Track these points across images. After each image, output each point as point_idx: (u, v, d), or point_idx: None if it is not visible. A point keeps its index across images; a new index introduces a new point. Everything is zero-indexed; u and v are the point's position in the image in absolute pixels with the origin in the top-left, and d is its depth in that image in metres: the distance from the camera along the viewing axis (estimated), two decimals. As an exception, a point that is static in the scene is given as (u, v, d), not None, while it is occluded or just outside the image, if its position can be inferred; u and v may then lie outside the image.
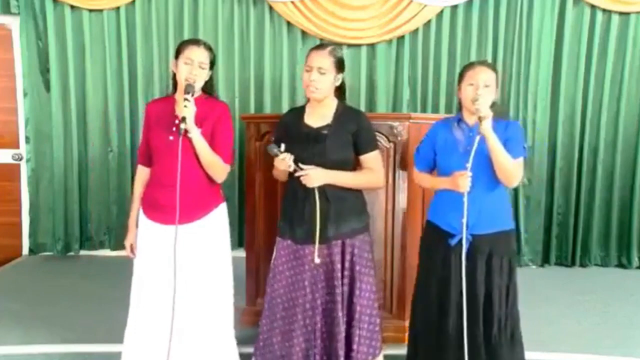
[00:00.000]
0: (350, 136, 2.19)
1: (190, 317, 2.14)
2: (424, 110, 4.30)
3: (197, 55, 2.12)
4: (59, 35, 4.22)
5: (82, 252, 4.39)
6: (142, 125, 2.29)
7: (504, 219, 2.21)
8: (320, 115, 2.22)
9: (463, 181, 2.06)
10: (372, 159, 2.23)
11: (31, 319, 3.04)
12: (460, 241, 2.12)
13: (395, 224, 2.71)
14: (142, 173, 2.29)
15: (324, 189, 2.13)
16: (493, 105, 2.11)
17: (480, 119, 2.03)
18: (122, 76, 4.27)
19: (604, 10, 4.19)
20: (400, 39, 4.28)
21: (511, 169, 2.09)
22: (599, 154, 4.28)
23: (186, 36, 4.22)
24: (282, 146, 2.12)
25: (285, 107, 4.27)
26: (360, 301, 2.18)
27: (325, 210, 2.13)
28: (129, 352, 2.22)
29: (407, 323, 2.44)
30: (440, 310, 2.18)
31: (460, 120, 2.23)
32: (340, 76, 2.21)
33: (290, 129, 2.24)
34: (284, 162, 2.09)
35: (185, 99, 2.03)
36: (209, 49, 2.18)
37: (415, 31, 4.26)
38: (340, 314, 2.14)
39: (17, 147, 4.38)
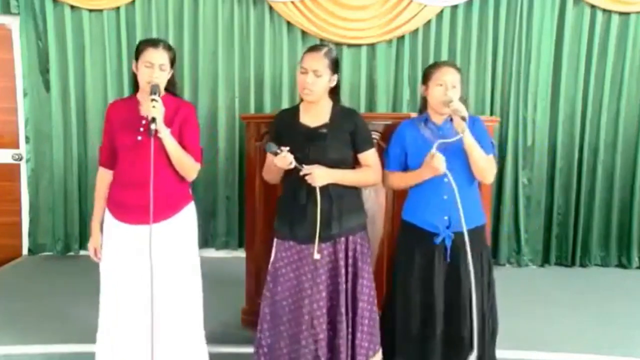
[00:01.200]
0: (349, 135, 2.20)
1: (162, 316, 2.13)
2: (420, 110, 4.28)
3: (157, 58, 2.12)
4: (58, 35, 4.22)
5: (82, 252, 4.38)
6: (104, 125, 2.26)
7: (478, 214, 2.24)
8: (316, 114, 2.22)
9: (437, 161, 2.07)
10: (370, 157, 2.26)
11: (31, 319, 3.04)
12: (443, 240, 2.14)
13: (395, 224, 2.71)
14: (106, 175, 2.26)
15: (327, 188, 2.13)
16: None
17: (462, 118, 2.05)
18: (122, 76, 4.27)
19: (604, 10, 4.19)
20: (400, 39, 4.29)
21: (486, 166, 2.15)
22: (599, 154, 4.28)
23: (186, 36, 4.23)
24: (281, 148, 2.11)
25: (285, 107, 4.26)
26: (362, 297, 2.20)
27: (328, 208, 2.14)
28: (104, 354, 2.21)
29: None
30: (423, 316, 2.18)
31: (427, 119, 2.25)
32: (335, 77, 2.21)
33: (286, 128, 2.23)
34: (285, 159, 2.08)
35: (154, 100, 2.03)
36: (168, 48, 2.18)
37: (415, 31, 4.26)
38: (344, 310, 2.16)
39: (17, 147, 4.38)
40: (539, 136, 4.28)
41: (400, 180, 2.30)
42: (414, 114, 2.81)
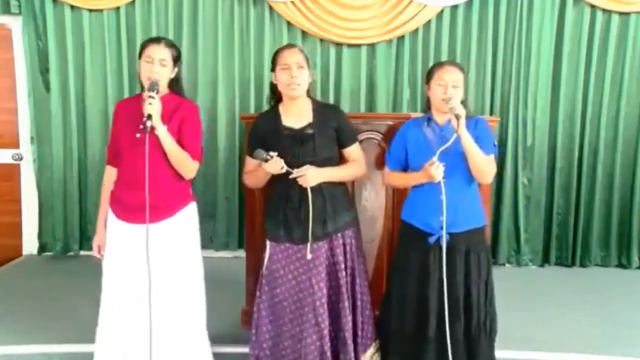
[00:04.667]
0: (334, 132, 2.23)
1: (163, 316, 2.14)
2: (424, 110, 4.28)
3: (157, 52, 2.13)
4: (59, 35, 4.22)
5: (82, 252, 4.38)
6: (111, 126, 2.29)
7: (478, 216, 2.24)
8: (297, 115, 2.23)
9: (435, 170, 2.08)
10: (355, 151, 2.30)
11: (31, 319, 3.04)
12: (438, 240, 2.14)
13: (395, 224, 2.71)
14: (111, 173, 2.28)
15: (319, 187, 2.16)
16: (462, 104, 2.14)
17: (457, 117, 2.05)
18: (122, 76, 4.27)
19: (604, 10, 4.18)
20: (400, 39, 4.28)
21: (485, 166, 2.14)
22: (599, 154, 4.27)
23: (186, 36, 4.23)
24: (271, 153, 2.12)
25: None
26: (360, 289, 2.26)
27: (322, 207, 2.16)
28: (103, 352, 2.21)
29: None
30: (418, 316, 2.19)
31: (429, 119, 2.26)
32: (312, 72, 2.25)
33: (269, 133, 2.23)
34: (276, 165, 2.10)
35: (150, 97, 2.04)
36: (171, 45, 2.19)
37: (415, 31, 4.26)
38: (346, 304, 2.19)
39: (17, 147, 4.38)
40: (538, 136, 4.28)
41: (399, 179, 2.34)
42: (414, 114, 2.81)
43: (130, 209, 2.13)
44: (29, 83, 4.26)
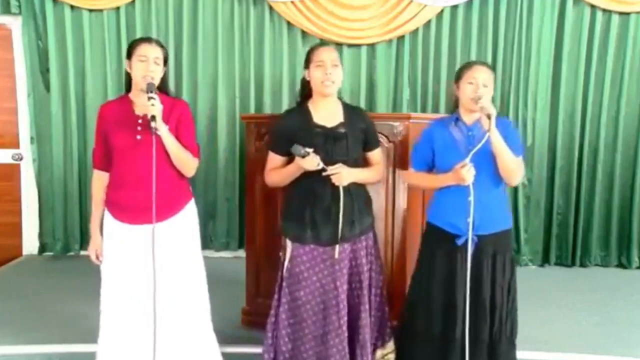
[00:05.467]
0: (362, 134, 2.23)
1: (168, 317, 2.14)
2: (424, 110, 4.30)
3: (151, 51, 2.12)
4: (59, 35, 4.22)
5: (82, 252, 4.38)
6: (96, 128, 2.23)
7: (505, 218, 2.22)
8: (328, 113, 2.21)
9: (466, 173, 2.05)
10: (378, 155, 2.32)
11: (31, 318, 3.04)
12: (465, 242, 2.11)
13: (395, 224, 2.71)
14: (102, 178, 2.23)
15: (348, 187, 2.14)
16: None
17: (488, 116, 2.03)
18: (122, 76, 4.25)
19: (604, 10, 4.19)
20: (400, 39, 4.29)
21: (515, 168, 2.11)
22: (599, 154, 4.28)
23: (186, 36, 4.23)
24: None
25: (285, 107, 4.27)
26: (377, 291, 2.27)
27: (351, 208, 2.16)
28: (106, 354, 2.20)
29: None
30: (445, 318, 2.17)
31: (457, 119, 2.23)
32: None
33: (300, 130, 2.19)
34: (312, 161, 2.07)
35: (152, 98, 2.02)
36: (161, 45, 2.19)
37: (415, 31, 4.26)
38: (367, 306, 2.20)
39: (17, 147, 4.38)
40: (538, 136, 4.28)
41: (424, 181, 2.30)
42: (414, 114, 2.82)
43: (133, 211, 2.12)
44: (29, 83, 4.26)
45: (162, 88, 2.20)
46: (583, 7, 4.20)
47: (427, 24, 4.26)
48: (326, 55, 2.16)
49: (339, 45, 4.25)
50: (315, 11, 4.19)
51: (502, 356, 2.18)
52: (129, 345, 2.16)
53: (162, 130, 2.05)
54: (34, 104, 4.29)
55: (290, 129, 2.21)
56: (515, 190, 4.31)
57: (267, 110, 4.27)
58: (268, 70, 4.28)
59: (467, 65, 2.24)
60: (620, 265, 4.36)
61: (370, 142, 2.27)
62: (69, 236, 4.38)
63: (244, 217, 3.56)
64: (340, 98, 2.28)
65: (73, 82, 4.24)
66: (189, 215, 2.24)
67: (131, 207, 2.12)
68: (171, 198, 2.16)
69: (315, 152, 2.09)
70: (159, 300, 2.10)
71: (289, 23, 4.24)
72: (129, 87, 2.20)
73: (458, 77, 2.23)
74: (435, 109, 4.29)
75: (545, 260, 4.37)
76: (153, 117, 2.00)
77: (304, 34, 4.27)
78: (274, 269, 2.85)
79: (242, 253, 3.15)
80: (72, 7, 4.18)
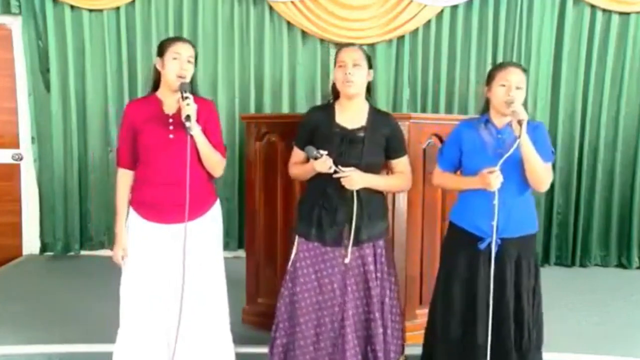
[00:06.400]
0: (384, 140, 2.19)
1: (193, 315, 2.14)
2: (424, 110, 4.30)
3: (185, 50, 2.12)
4: (59, 35, 4.22)
5: (82, 252, 4.38)
6: (122, 126, 2.20)
7: (531, 222, 2.18)
8: (352, 115, 2.19)
9: (494, 179, 2.00)
10: (403, 163, 2.25)
11: (31, 319, 3.04)
12: (489, 245, 2.07)
13: (395, 224, 2.71)
14: (127, 177, 2.21)
15: (359, 191, 2.12)
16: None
17: (519, 122, 1.98)
18: (122, 76, 4.27)
19: (604, 10, 4.19)
20: (400, 39, 4.29)
21: (543, 174, 2.07)
22: (599, 154, 4.28)
23: (186, 36, 4.20)
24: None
25: (285, 107, 4.27)
26: (390, 301, 2.22)
27: (360, 213, 2.12)
28: (124, 353, 2.20)
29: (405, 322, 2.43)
30: (464, 320, 2.13)
31: (487, 121, 2.17)
32: (371, 72, 2.21)
33: (321, 127, 2.18)
34: (325, 164, 2.06)
35: (187, 97, 2.02)
36: (193, 45, 2.19)
37: (415, 31, 4.27)
38: (377, 315, 2.16)
39: (17, 147, 4.38)
40: (539, 136, 4.28)
41: (451, 182, 2.27)
42: (414, 114, 2.81)
43: (161, 209, 2.11)
44: (29, 83, 4.26)
45: (192, 88, 2.20)
46: (583, 7, 4.20)
47: (427, 24, 4.26)
48: (348, 55, 2.14)
49: (339, 46, 4.25)
50: (315, 11, 4.19)
51: None
52: (146, 345, 2.15)
53: (196, 130, 2.05)
54: (34, 103, 4.28)
55: (313, 125, 2.21)
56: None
57: (267, 110, 4.27)
58: (268, 70, 4.28)
59: (500, 67, 2.18)
60: (620, 265, 4.36)
61: (393, 150, 2.22)
62: (69, 236, 4.38)
63: (243, 217, 3.57)
64: (370, 101, 2.25)
65: (73, 82, 4.24)
66: (215, 216, 2.24)
67: (162, 206, 2.11)
68: (200, 198, 2.16)
69: (330, 153, 2.08)
70: (186, 298, 2.09)
71: (289, 23, 4.25)
72: (155, 85, 2.20)
73: (490, 78, 2.17)
74: (435, 109, 4.29)
75: (545, 260, 4.37)
76: (188, 117, 2.00)
77: (304, 34, 4.27)
78: (274, 269, 2.87)
79: (242, 253, 3.15)
80: (72, 7, 4.18)
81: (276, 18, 4.26)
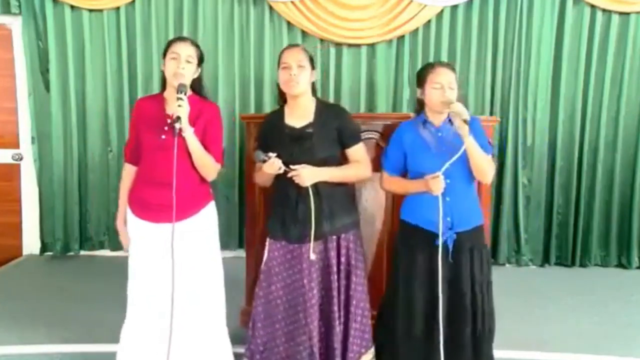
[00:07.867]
0: (335, 132, 2.22)
1: (186, 315, 2.15)
2: (415, 111, 4.28)
3: (183, 49, 2.13)
4: (59, 35, 4.22)
5: (82, 252, 4.39)
6: (130, 121, 2.27)
7: (478, 214, 2.25)
8: (300, 114, 2.23)
9: (436, 184, 2.07)
10: (358, 152, 2.27)
11: (31, 319, 3.04)
12: (444, 241, 2.13)
13: (395, 224, 2.70)
14: (131, 171, 2.26)
15: (317, 186, 2.15)
16: None
17: (465, 122, 2.03)
18: (122, 76, 4.27)
19: (604, 10, 4.18)
20: (400, 39, 4.28)
21: (488, 167, 2.14)
22: (599, 154, 4.27)
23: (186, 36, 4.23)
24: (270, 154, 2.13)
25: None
26: (355, 295, 2.23)
27: (319, 207, 2.15)
28: (126, 350, 2.22)
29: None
30: (427, 320, 2.16)
31: (425, 121, 2.23)
32: (314, 72, 2.25)
33: (272, 131, 2.25)
34: (274, 166, 2.12)
35: (179, 99, 2.04)
36: (196, 45, 2.20)
37: (415, 31, 4.26)
38: (336, 308, 2.18)
39: (17, 147, 4.38)
40: (538, 136, 4.28)
41: (397, 186, 2.31)
42: (413, 115, 2.79)
43: (153, 209, 2.13)
44: (29, 83, 4.26)
45: (196, 88, 2.21)
46: (583, 7, 4.19)
47: (427, 24, 4.26)
48: (291, 57, 2.18)
49: (339, 45, 4.26)
50: (315, 11, 4.19)
51: (484, 356, 2.18)
52: (145, 343, 2.17)
53: (187, 132, 2.06)
54: (34, 103, 4.28)
55: (267, 131, 2.28)
56: (515, 190, 4.31)
57: (267, 110, 4.25)
58: (268, 70, 4.27)
59: (429, 68, 2.22)
60: (620, 265, 4.36)
61: (345, 140, 2.24)
62: (69, 236, 4.38)
63: (243, 217, 3.57)
64: (317, 97, 2.29)
65: (73, 82, 4.24)
66: (208, 215, 2.25)
67: (151, 205, 2.13)
68: (191, 199, 2.17)
69: (282, 153, 2.12)
70: (176, 298, 2.10)
71: (289, 23, 4.24)
72: (164, 85, 2.22)
73: (421, 79, 2.21)
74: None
75: (545, 260, 4.37)
76: (178, 118, 2.01)
77: (304, 34, 4.27)
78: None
79: (241, 253, 3.14)
80: (72, 7, 4.18)
81: (276, 18, 4.26)
